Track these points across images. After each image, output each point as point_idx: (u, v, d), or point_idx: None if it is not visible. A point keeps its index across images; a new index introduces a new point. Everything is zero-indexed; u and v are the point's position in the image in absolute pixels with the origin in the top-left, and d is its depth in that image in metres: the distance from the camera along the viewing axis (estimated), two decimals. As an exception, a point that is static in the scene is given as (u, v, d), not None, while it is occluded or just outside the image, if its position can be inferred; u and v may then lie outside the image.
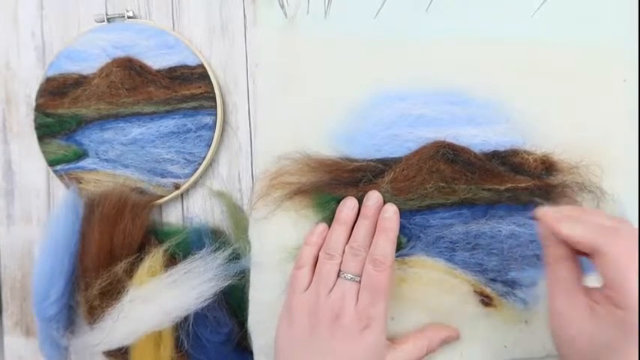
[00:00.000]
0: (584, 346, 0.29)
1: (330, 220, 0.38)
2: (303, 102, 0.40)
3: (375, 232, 0.36)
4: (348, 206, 0.37)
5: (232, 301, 0.41)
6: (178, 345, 0.40)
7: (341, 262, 0.36)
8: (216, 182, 0.43)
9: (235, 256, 0.40)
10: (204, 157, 0.42)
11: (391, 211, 0.37)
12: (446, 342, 0.37)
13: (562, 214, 0.30)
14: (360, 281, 0.35)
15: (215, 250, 0.39)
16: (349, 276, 0.35)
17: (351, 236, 0.36)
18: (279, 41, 0.40)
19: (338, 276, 0.35)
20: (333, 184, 0.38)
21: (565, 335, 0.30)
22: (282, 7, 0.38)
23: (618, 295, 0.27)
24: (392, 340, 0.36)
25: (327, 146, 0.39)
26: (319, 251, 0.37)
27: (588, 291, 0.30)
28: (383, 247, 0.35)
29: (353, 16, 0.39)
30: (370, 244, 0.36)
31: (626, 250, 0.27)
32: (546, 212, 0.31)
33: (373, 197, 0.37)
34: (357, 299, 0.34)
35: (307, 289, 0.35)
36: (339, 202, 0.38)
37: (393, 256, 0.35)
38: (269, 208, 0.39)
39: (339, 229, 0.37)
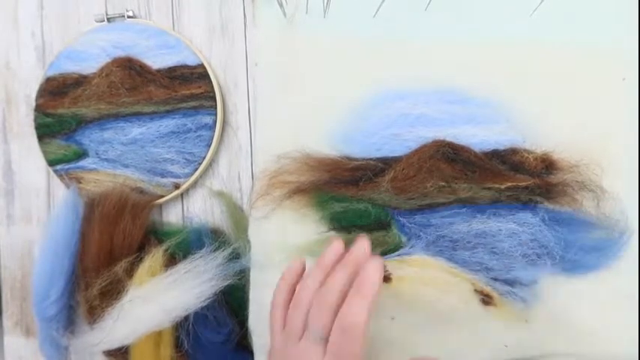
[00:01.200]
0: None
1: (329, 219, 0.38)
2: (302, 101, 0.40)
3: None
4: (334, 252, 0.33)
5: (232, 300, 0.41)
6: (178, 345, 0.40)
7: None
8: (216, 182, 0.43)
9: (235, 256, 0.40)
10: (204, 157, 0.42)
11: (373, 268, 0.30)
12: None
13: None
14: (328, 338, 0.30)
15: (215, 250, 0.39)
16: (315, 334, 0.30)
17: (324, 285, 0.31)
18: (279, 41, 0.40)
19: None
20: (332, 182, 0.38)
21: None
22: (282, 6, 0.38)
23: None
24: None
25: (327, 145, 0.39)
26: (296, 284, 0.33)
27: None
28: (355, 313, 0.29)
29: (352, 16, 0.39)
30: (344, 297, 0.30)
31: None
32: None
33: (361, 246, 0.32)
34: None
35: (284, 328, 0.32)
36: (338, 201, 0.38)
37: (366, 323, 0.29)
38: (269, 207, 0.39)
39: (316, 275, 0.32)
